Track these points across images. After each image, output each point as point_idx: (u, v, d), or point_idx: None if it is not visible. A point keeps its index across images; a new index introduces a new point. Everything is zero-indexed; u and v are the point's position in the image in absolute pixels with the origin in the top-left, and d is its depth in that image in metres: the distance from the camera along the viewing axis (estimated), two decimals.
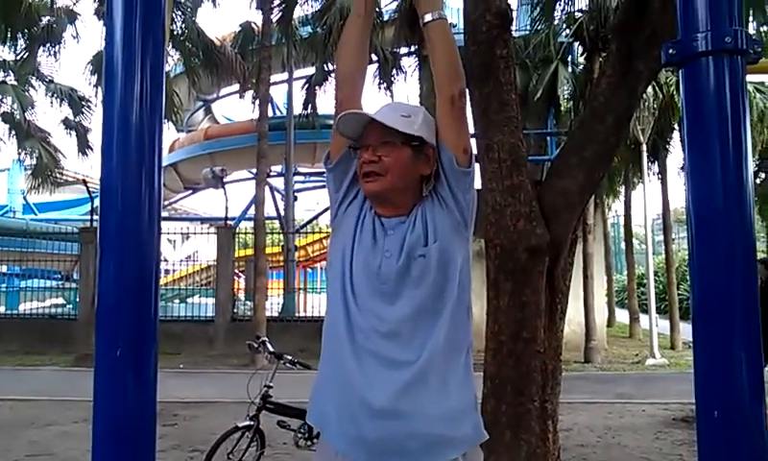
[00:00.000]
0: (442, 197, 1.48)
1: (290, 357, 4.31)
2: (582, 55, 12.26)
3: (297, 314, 14.57)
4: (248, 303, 14.12)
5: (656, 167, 15.29)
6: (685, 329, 13.83)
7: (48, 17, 12.07)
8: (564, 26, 11.08)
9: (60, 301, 15.71)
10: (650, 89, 10.13)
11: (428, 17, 1.45)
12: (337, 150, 1.55)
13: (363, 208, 1.52)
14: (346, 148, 1.53)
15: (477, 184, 1.64)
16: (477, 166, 1.75)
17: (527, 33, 11.17)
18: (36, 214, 23.63)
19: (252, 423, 4.08)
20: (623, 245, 21.59)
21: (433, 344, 1.39)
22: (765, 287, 9.58)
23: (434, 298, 1.42)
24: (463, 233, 1.48)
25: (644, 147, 12.22)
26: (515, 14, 3.86)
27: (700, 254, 1.14)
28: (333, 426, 1.43)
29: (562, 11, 8.95)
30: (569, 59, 12.63)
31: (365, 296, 1.44)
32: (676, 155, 15.66)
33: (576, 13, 10.16)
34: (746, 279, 1.10)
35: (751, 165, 1.11)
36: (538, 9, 8.62)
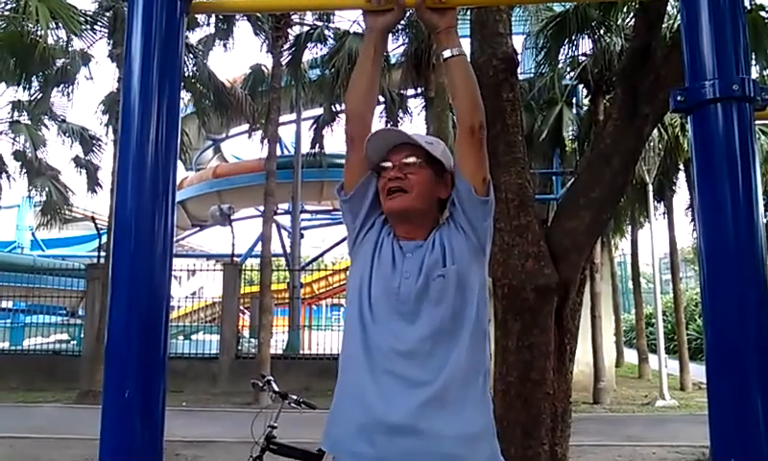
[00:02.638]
0: (459, 224, 1.52)
1: (295, 397, 4.25)
2: (586, 97, 12.42)
3: (301, 352, 14.46)
4: (252, 340, 14.03)
5: (662, 207, 15.29)
6: (695, 370, 13.61)
7: (63, 60, 12.34)
8: (569, 69, 11.26)
9: (65, 336, 15.66)
10: (655, 130, 10.21)
11: (447, 53, 1.50)
12: (351, 181, 1.58)
13: (381, 234, 1.56)
14: (361, 179, 1.57)
15: None
16: None
17: (532, 75, 11.35)
18: (43, 250, 23.74)
19: None
20: (630, 284, 21.43)
21: (452, 365, 1.41)
22: None
23: (453, 318, 1.45)
24: (480, 259, 1.52)
25: (650, 187, 12.26)
26: (520, 58, 3.93)
27: (712, 297, 1.13)
28: (349, 449, 1.43)
29: (566, 54, 9.10)
30: (574, 100, 12.80)
31: (384, 317, 1.46)
32: (682, 194, 15.69)
33: (580, 57, 10.32)
34: (760, 322, 1.09)
35: (762, 209, 1.12)
36: (542, 53, 8.77)
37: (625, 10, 7.25)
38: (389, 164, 1.54)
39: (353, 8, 1.83)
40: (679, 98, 1.12)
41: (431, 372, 1.40)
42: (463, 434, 1.39)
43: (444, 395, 1.39)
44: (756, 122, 1.17)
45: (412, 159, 1.52)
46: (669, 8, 4.39)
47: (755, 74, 5.70)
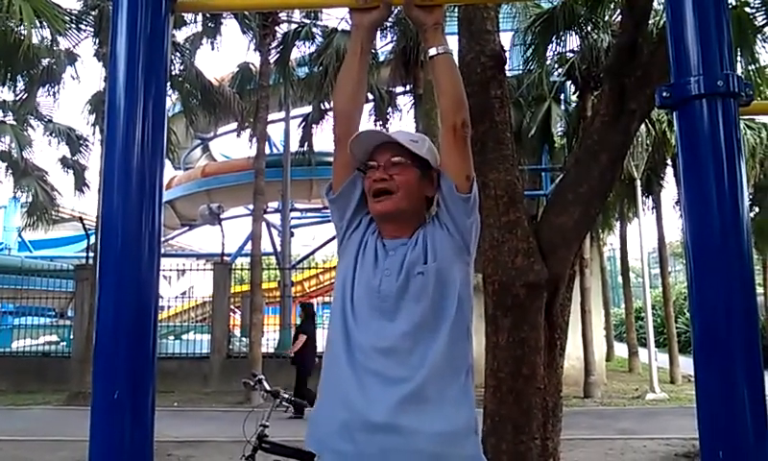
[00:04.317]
0: (443, 222, 1.52)
1: (286, 396, 4.26)
2: (574, 93, 12.47)
3: None
4: (243, 339, 13.99)
5: (650, 202, 15.40)
6: (685, 363, 13.74)
7: (48, 59, 12.22)
8: (557, 66, 11.30)
9: (54, 338, 15.53)
10: (643, 126, 10.28)
11: (433, 51, 1.50)
12: (339, 181, 1.58)
13: (366, 234, 1.56)
14: (347, 179, 1.58)
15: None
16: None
17: (520, 72, 11.39)
18: (31, 251, 23.52)
19: None
20: (620, 279, 21.58)
21: (431, 362, 1.41)
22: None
23: (432, 316, 1.45)
24: (464, 257, 1.52)
25: (638, 182, 12.34)
26: (507, 55, 3.95)
27: (699, 291, 1.14)
28: (331, 447, 1.43)
29: (553, 51, 9.14)
30: (562, 97, 12.84)
31: (365, 315, 1.47)
32: (670, 189, 15.81)
33: (567, 54, 10.36)
34: (746, 314, 1.11)
35: (747, 204, 1.13)
36: (530, 49, 8.80)
37: (612, 6, 7.29)
38: (374, 164, 1.53)
39: (340, 6, 1.82)
40: (664, 94, 1.13)
41: (410, 369, 1.40)
42: (441, 432, 1.38)
43: (423, 392, 1.39)
44: (742, 117, 1.18)
45: (397, 159, 1.52)
46: (655, 4, 4.42)
47: (740, 69, 5.75)
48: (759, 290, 16.91)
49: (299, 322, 10.90)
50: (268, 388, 4.32)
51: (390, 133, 1.65)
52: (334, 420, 1.43)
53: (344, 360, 1.45)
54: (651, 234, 15.78)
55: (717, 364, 1.11)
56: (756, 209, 15.29)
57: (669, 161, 13.43)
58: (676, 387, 12.77)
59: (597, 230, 14.92)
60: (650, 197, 15.21)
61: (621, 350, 19.85)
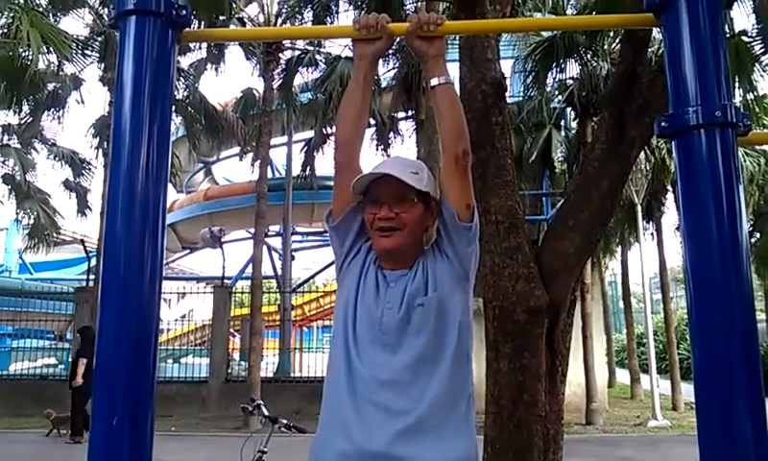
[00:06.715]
0: (443, 250, 1.53)
1: (285, 421, 4.21)
2: (574, 120, 12.56)
3: (292, 374, 14.33)
4: (242, 363, 13.89)
5: (651, 227, 15.41)
6: (687, 390, 13.60)
7: (54, 84, 12.35)
8: (557, 93, 11.41)
9: (53, 361, 15.42)
10: (642, 152, 10.33)
11: (435, 81, 1.52)
12: (339, 208, 1.59)
13: (366, 262, 1.56)
14: (349, 206, 1.57)
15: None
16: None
17: (521, 99, 11.49)
18: (31, 273, 23.50)
19: None
20: (621, 304, 21.49)
21: (432, 393, 1.41)
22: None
23: (434, 347, 1.45)
24: (463, 285, 1.52)
25: (639, 207, 12.36)
26: (508, 82, 3.99)
27: (699, 318, 1.14)
28: None
29: (553, 78, 9.23)
30: (562, 123, 12.94)
31: (367, 346, 1.47)
32: (671, 215, 15.85)
33: (567, 81, 10.46)
34: (746, 341, 1.11)
35: (746, 231, 1.14)
36: (530, 76, 8.88)
37: (611, 35, 7.38)
38: (377, 200, 1.52)
39: (342, 36, 1.85)
40: (663, 124, 1.15)
41: (411, 401, 1.41)
42: (442, 460, 1.38)
43: (424, 422, 1.39)
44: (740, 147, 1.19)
45: (402, 196, 1.51)
46: (655, 32, 4.47)
47: (738, 98, 5.79)
48: (760, 316, 16.81)
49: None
50: (266, 413, 4.28)
51: (387, 162, 1.64)
52: (333, 449, 1.42)
53: (344, 389, 1.45)
54: (652, 259, 15.78)
55: (718, 391, 1.11)
56: (758, 235, 15.27)
57: (669, 187, 13.47)
58: (678, 414, 12.63)
59: (598, 254, 14.91)
60: (651, 222, 15.23)
61: (623, 376, 19.68)
